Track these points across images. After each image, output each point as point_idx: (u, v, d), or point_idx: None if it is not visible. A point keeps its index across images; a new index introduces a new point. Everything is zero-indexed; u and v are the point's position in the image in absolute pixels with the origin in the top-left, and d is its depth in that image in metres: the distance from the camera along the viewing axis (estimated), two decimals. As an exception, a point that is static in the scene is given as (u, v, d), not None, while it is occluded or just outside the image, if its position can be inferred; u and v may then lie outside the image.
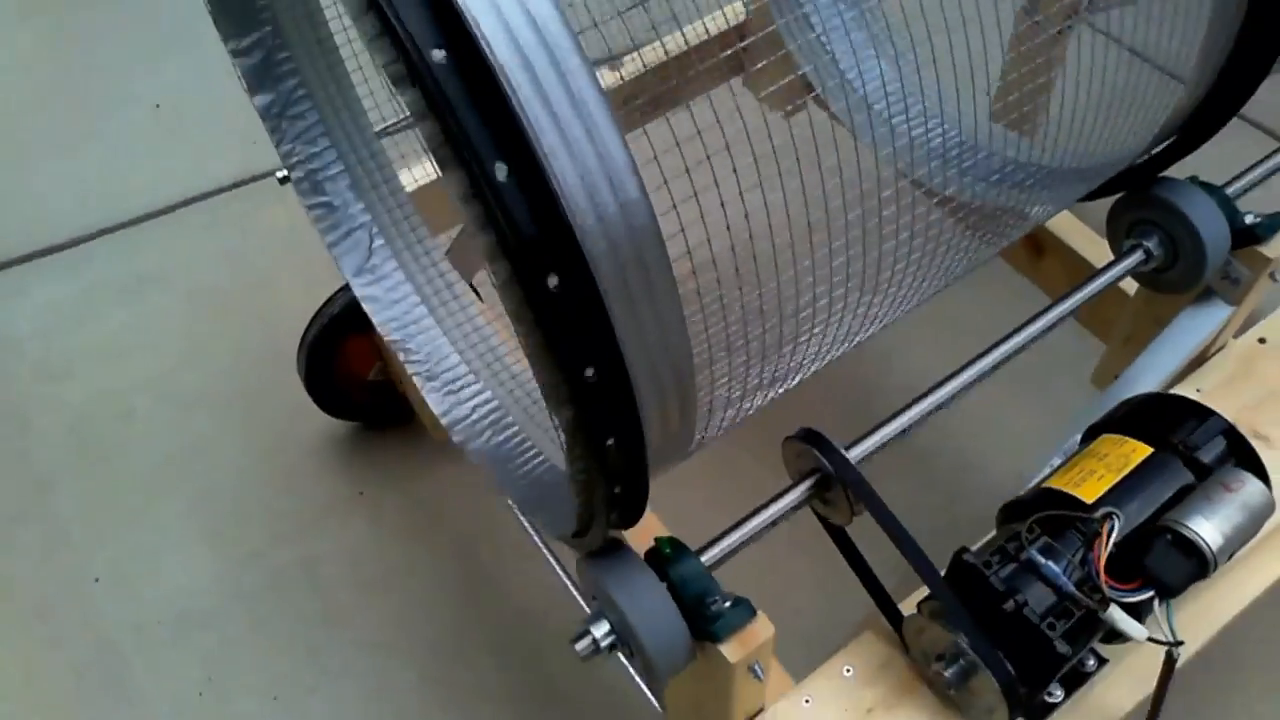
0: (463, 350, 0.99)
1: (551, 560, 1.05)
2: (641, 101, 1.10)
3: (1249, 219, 0.87)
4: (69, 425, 1.44)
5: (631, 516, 0.63)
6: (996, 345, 0.86)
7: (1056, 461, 0.86)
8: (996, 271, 1.26)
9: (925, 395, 0.85)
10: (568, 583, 1.00)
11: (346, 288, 1.23)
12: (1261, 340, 0.95)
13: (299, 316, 1.25)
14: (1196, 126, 0.84)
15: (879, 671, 0.80)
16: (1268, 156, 0.94)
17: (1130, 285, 1.02)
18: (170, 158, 1.77)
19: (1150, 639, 0.72)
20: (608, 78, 1.17)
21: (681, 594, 0.70)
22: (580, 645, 0.72)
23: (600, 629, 0.72)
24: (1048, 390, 1.36)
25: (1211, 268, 0.87)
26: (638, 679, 0.88)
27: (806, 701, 0.78)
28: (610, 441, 0.53)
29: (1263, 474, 0.77)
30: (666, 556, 0.72)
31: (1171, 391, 0.86)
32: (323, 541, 1.33)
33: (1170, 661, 0.74)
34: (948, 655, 0.76)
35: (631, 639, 0.70)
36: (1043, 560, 0.73)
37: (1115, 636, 0.74)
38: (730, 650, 0.70)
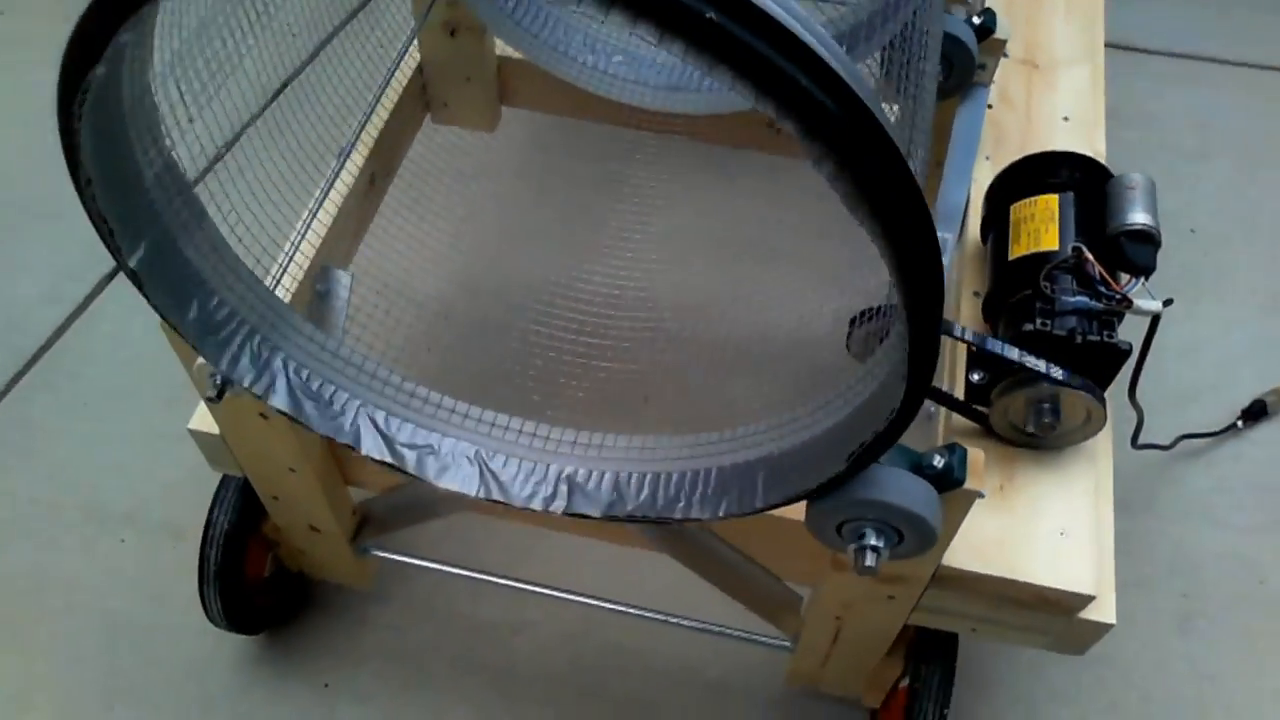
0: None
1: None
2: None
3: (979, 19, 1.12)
4: None
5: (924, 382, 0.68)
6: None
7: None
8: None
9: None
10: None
11: (218, 502, 1.12)
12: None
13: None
14: None
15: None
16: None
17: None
18: None
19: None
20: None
21: (915, 469, 0.80)
22: (869, 561, 0.79)
23: (870, 538, 0.79)
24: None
25: (974, 68, 1.12)
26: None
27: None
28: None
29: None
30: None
31: (1024, 156, 1.09)
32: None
33: (1156, 318, 0.97)
34: (1037, 408, 0.94)
35: (903, 524, 0.79)
36: (1072, 299, 0.93)
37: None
38: (973, 484, 0.81)
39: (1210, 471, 1.47)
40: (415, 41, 1.31)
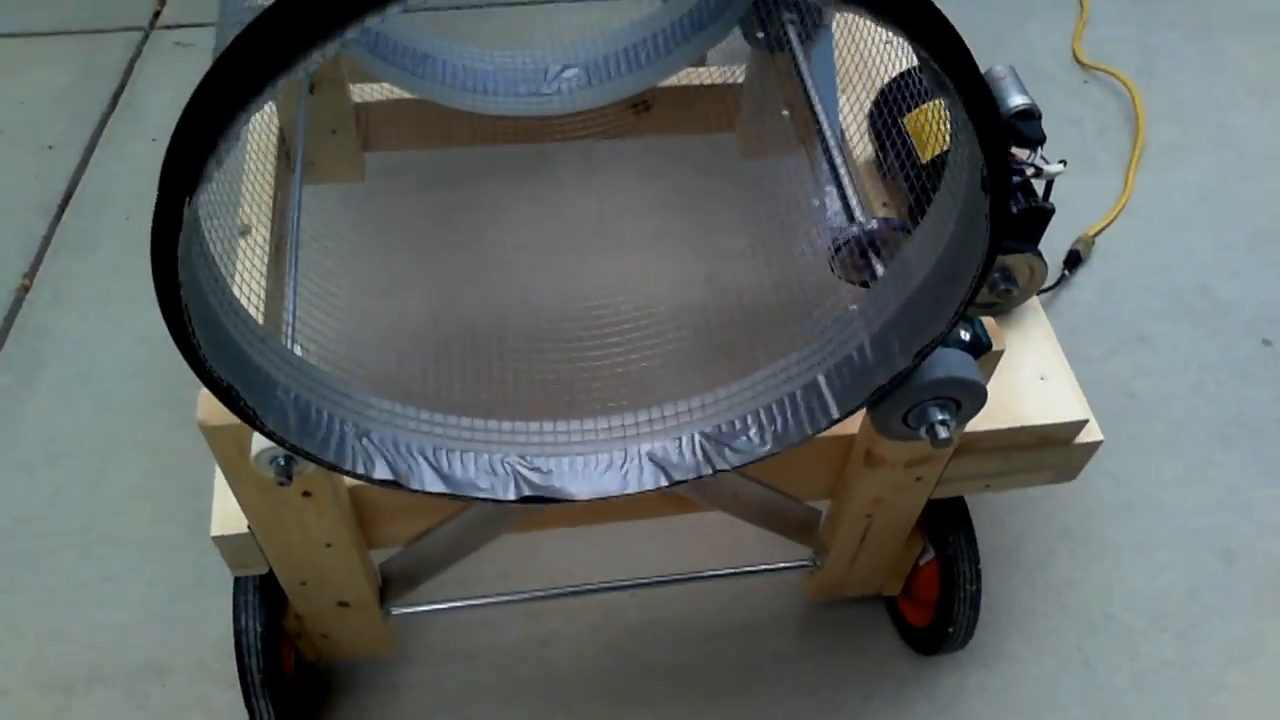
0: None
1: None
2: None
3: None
4: None
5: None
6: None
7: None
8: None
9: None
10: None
11: (240, 608, 1.08)
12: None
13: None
14: None
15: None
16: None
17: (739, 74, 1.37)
18: None
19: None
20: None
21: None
22: (943, 434, 0.88)
23: (937, 415, 0.89)
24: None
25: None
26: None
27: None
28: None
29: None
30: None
31: (897, 74, 1.21)
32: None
33: (1051, 180, 1.12)
34: (994, 278, 1.07)
35: (962, 394, 0.89)
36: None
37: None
38: (997, 346, 0.92)
39: (1059, 319, 1.68)
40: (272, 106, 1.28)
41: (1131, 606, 1.36)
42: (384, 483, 0.84)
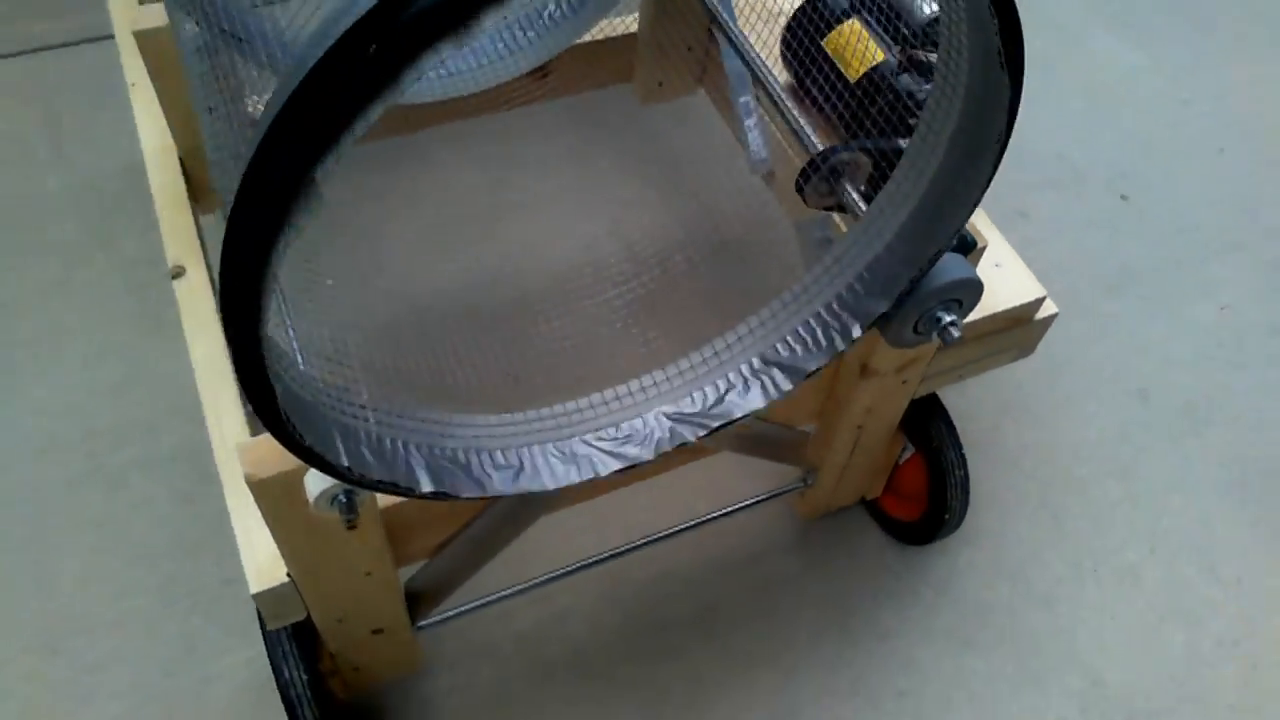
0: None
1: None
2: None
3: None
4: None
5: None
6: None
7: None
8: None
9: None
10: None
11: (280, 660, 1.04)
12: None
13: None
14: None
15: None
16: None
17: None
18: None
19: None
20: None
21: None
22: (955, 333, 0.93)
23: (945, 317, 0.94)
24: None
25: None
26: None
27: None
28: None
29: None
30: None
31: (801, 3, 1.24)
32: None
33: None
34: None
35: (964, 293, 0.94)
36: (928, 84, 1.11)
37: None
38: (980, 242, 0.98)
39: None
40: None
41: (1077, 458, 1.48)
42: (470, 499, 0.82)
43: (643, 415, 0.91)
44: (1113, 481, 1.47)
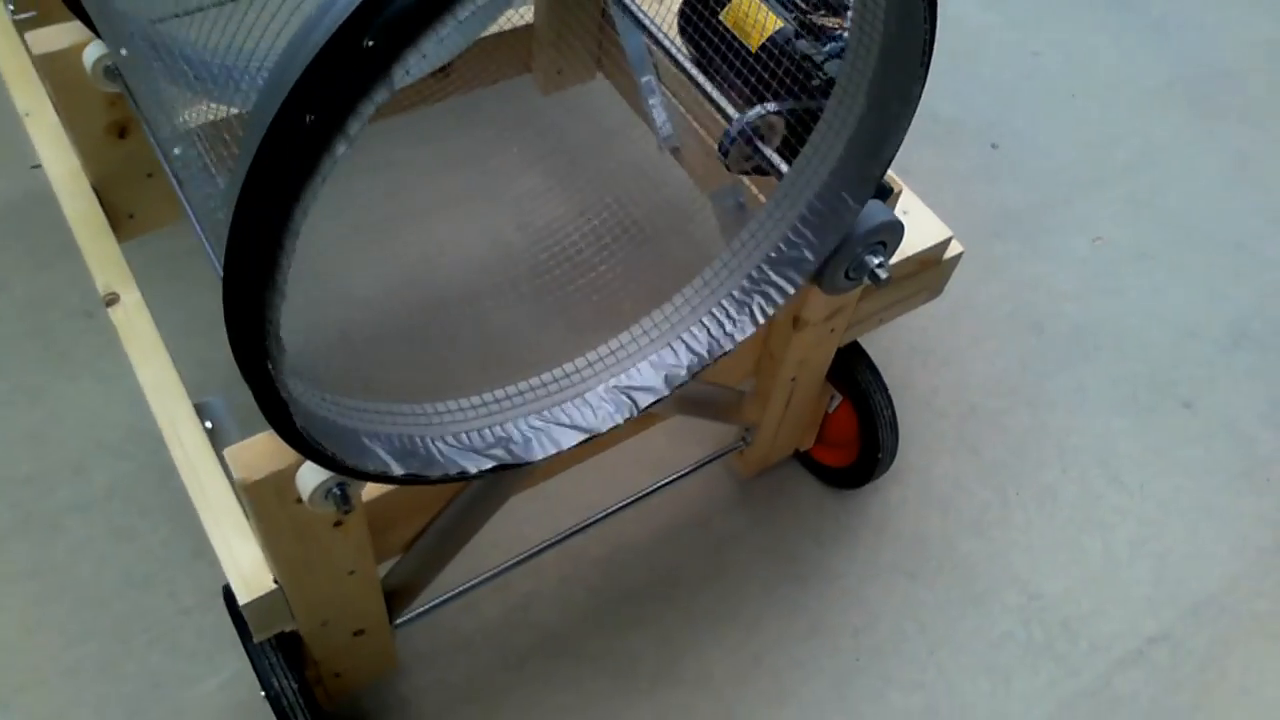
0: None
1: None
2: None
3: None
4: None
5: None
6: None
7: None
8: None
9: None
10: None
11: (268, 672, 1.06)
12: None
13: None
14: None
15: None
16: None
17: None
18: None
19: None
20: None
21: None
22: (884, 274, 1.00)
23: (873, 260, 1.01)
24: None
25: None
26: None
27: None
28: None
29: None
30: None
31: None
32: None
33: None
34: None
35: (888, 235, 1.01)
36: (826, 46, 1.18)
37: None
38: (895, 185, 1.05)
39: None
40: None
41: (986, 392, 1.58)
42: (491, 471, 0.85)
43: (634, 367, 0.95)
44: (1021, 410, 1.57)
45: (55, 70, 1.09)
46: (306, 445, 0.73)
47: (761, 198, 1.22)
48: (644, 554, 1.39)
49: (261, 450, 0.83)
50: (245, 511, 0.88)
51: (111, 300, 1.10)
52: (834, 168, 0.96)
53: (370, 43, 0.56)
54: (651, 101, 1.36)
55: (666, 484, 1.35)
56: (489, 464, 0.90)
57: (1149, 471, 1.52)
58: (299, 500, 0.85)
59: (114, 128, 1.16)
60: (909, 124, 0.91)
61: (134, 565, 1.33)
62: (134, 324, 1.09)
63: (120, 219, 1.24)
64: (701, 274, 1.04)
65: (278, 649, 1.05)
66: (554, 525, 1.28)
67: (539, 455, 0.93)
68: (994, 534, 1.44)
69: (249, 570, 0.94)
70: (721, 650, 1.31)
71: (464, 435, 0.92)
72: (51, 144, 1.19)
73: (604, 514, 1.32)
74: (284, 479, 0.83)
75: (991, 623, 1.36)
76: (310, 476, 0.81)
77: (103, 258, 1.13)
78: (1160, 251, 1.80)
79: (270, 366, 0.66)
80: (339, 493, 0.82)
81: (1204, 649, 1.35)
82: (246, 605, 0.94)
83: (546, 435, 0.95)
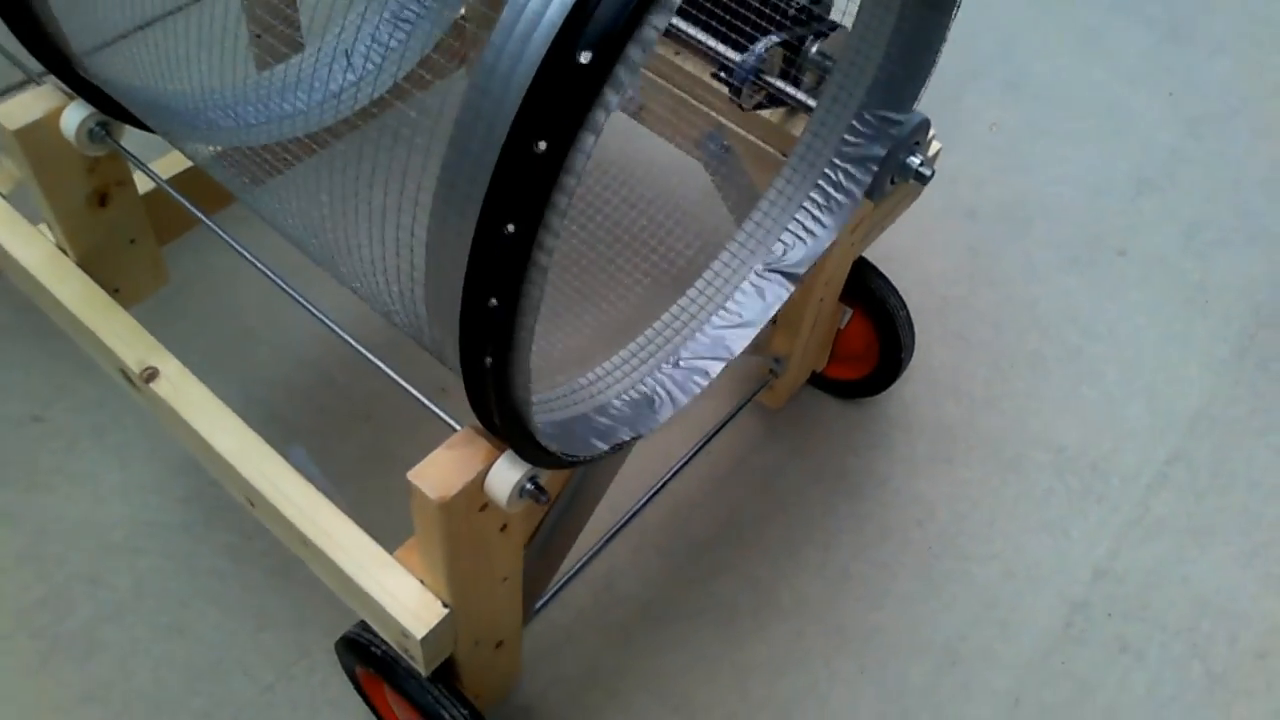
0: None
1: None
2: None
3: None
4: None
5: None
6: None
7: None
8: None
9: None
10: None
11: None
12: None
13: None
14: None
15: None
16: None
17: None
18: None
19: None
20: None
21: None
22: (927, 172, 1.05)
23: (915, 157, 1.05)
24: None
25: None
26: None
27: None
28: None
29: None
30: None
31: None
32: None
33: None
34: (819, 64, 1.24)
35: (920, 134, 1.06)
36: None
37: None
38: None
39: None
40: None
41: (949, 282, 1.67)
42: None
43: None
44: (985, 291, 1.67)
45: (31, 144, 0.99)
46: (547, 455, 0.73)
47: (748, 136, 1.23)
48: (700, 507, 1.41)
49: (443, 466, 0.80)
50: (427, 535, 0.84)
51: (151, 375, 1.02)
52: (878, 71, 1.00)
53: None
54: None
55: (716, 434, 1.36)
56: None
57: (1111, 318, 1.65)
58: (482, 508, 0.83)
59: (95, 196, 1.07)
60: (950, 25, 0.95)
61: (195, 658, 1.25)
62: (186, 393, 1.01)
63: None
64: (773, 183, 1.07)
65: (437, 681, 1.01)
66: (615, 509, 1.27)
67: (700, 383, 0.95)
68: (1004, 405, 1.53)
69: (416, 603, 0.91)
70: (809, 574, 1.35)
71: (632, 390, 0.92)
72: (14, 231, 1.09)
73: (663, 482, 1.32)
74: (474, 488, 0.80)
75: (1032, 483, 1.45)
76: (506, 476, 0.79)
77: (123, 333, 1.05)
78: (1049, 125, 1.94)
79: (522, 405, 0.65)
80: (533, 486, 0.81)
81: (1210, 458, 1.49)
82: (425, 638, 0.90)
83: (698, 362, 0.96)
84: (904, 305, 1.38)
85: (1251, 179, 1.88)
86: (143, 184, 1.14)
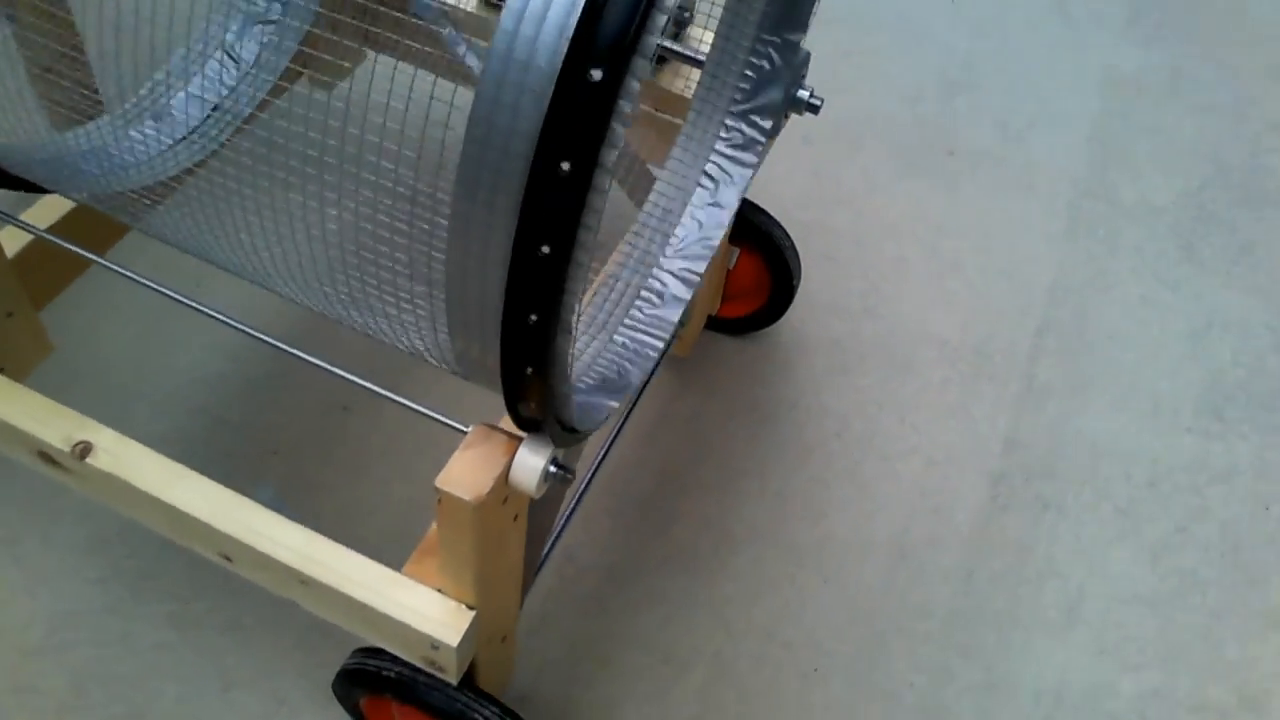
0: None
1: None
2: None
3: None
4: None
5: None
6: None
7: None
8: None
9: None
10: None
11: None
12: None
13: None
14: None
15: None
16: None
17: None
18: None
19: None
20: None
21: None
22: (816, 101, 1.10)
23: (803, 92, 1.10)
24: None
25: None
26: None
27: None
28: None
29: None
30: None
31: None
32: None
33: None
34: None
35: (806, 67, 1.11)
36: None
37: None
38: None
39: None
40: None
41: (801, 206, 1.75)
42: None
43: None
44: (836, 209, 1.76)
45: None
46: (575, 433, 0.74)
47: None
48: (635, 465, 1.43)
49: (469, 468, 0.79)
50: (456, 540, 0.83)
51: (84, 450, 0.95)
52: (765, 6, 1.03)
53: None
54: (460, 50, 1.34)
55: (642, 392, 1.38)
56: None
57: (955, 213, 1.77)
58: (504, 501, 0.83)
59: (-33, 272, 0.98)
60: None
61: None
62: (130, 461, 0.95)
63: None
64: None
65: (463, 687, 1.00)
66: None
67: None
68: (882, 311, 1.63)
69: (441, 612, 0.90)
70: (751, 503, 1.40)
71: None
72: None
73: (607, 447, 1.32)
74: (500, 484, 0.80)
75: (927, 377, 1.55)
76: (532, 464, 0.79)
77: (38, 414, 0.96)
78: (850, 45, 2.04)
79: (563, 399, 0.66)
80: (558, 468, 0.81)
81: (1073, 322, 1.64)
82: (460, 644, 0.89)
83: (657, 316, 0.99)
84: (788, 236, 1.44)
85: (1037, 68, 2.05)
86: (10, 246, 1.04)
